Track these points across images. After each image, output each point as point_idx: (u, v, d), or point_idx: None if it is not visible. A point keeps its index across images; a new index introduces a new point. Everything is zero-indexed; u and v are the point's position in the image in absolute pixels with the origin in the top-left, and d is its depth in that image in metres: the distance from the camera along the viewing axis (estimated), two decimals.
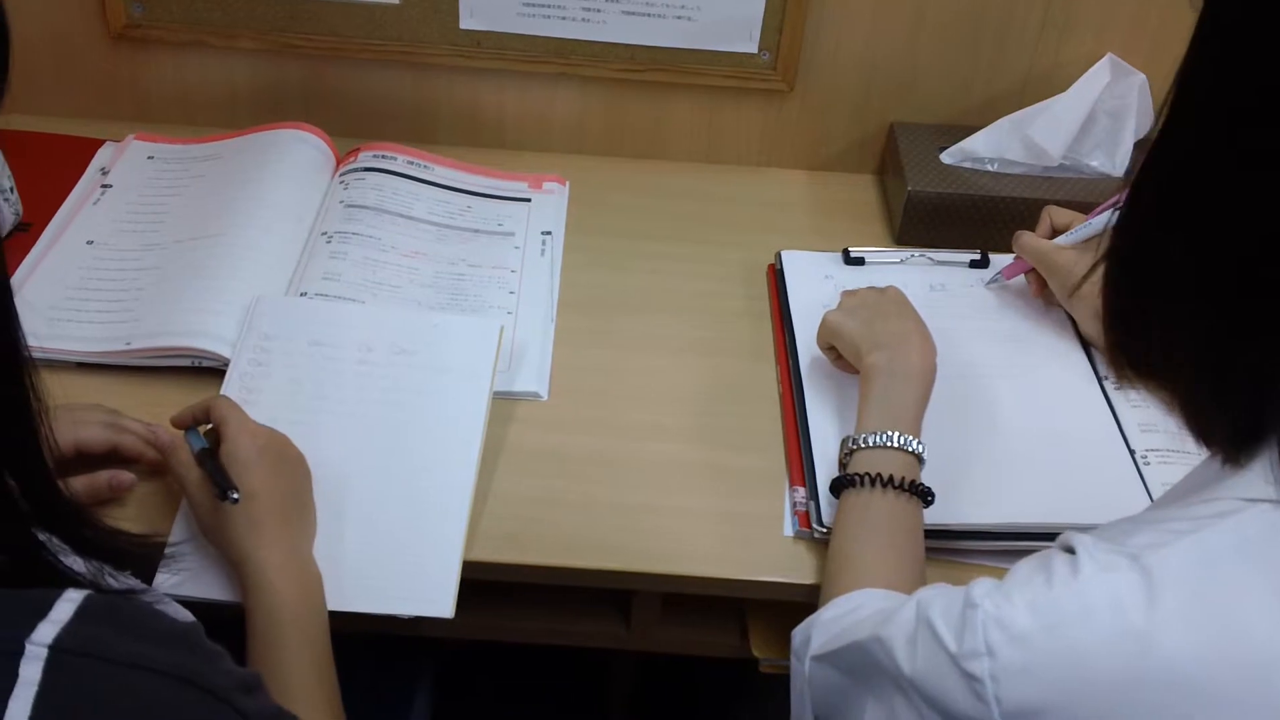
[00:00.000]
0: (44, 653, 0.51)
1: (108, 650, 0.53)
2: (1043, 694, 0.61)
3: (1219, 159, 0.58)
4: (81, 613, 0.53)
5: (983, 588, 0.65)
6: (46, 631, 0.52)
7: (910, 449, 0.93)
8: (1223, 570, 0.59)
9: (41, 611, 0.53)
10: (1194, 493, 0.65)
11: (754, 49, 1.30)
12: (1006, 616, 0.63)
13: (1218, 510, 0.61)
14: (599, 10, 1.28)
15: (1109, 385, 1.11)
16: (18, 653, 0.51)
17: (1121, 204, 0.64)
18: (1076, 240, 1.11)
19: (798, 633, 0.85)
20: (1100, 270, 1.10)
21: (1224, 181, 0.58)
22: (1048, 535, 0.94)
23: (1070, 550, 0.64)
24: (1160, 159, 0.61)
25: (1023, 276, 1.18)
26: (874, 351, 0.99)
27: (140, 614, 0.56)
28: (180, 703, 0.54)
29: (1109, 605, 0.60)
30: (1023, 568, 0.66)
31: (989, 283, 1.20)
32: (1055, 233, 1.14)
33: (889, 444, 0.93)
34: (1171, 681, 0.58)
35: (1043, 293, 1.16)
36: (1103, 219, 1.11)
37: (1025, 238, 1.14)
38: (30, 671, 0.50)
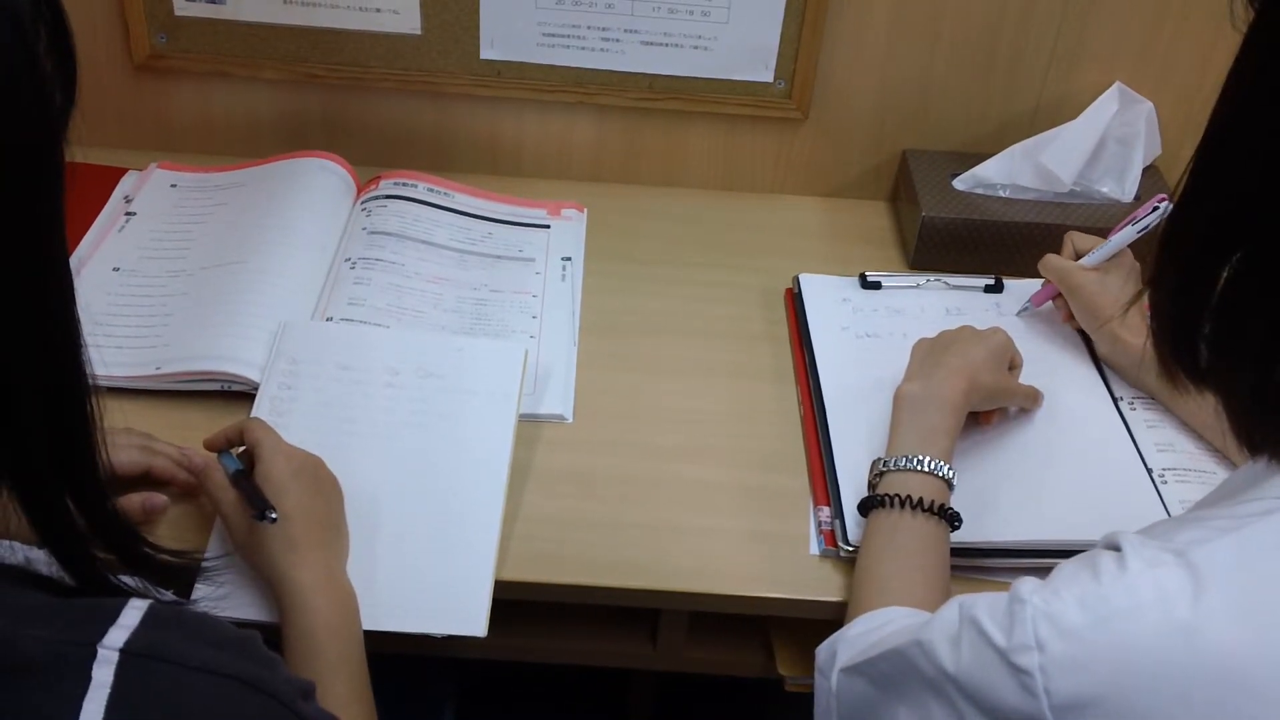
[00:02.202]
0: (115, 656, 0.52)
1: (176, 654, 0.54)
2: (1092, 686, 0.61)
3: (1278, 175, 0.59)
4: (148, 619, 0.55)
5: (1029, 585, 0.66)
6: (117, 636, 0.53)
7: (940, 473, 0.94)
8: (1267, 565, 0.60)
9: (110, 617, 0.54)
10: (1235, 494, 0.66)
11: (769, 78, 1.32)
12: (1056, 611, 0.63)
13: (1261, 509, 0.62)
14: (617, 40, 1.30)
15: (1124, 405, 1.12)
16: (90, 656, 0.52)
17: (1166, 222, 0.66)
18: (1098, 260, 1.13)
19: (823, 649, 0.86)
20: (1127, 292, 1.12)
21: None
22: (1068, 553, 0.95)
23: (1116, 548, 0.65)
24: (1213, 178, 0.62)
25: (1050, 303, 1.20)
26: (910, 381, 1.02)
27: (202, 621, 0.58)
28: (246, 706, 0.55)
29: (1156, 599, 0.61)
30: (1068, 567, 0.67)
31: (1020, 312, 1.22)
32: (1078, 257, 1.16)
33: (919, 467, 0.94)
34: (1218, 673, 0.59)
35: (1071, 319, 1.18)
36: (1121, 236, 1.13)
37: (1050, 258, 1.17)
38: (103, 674, 0.52)
